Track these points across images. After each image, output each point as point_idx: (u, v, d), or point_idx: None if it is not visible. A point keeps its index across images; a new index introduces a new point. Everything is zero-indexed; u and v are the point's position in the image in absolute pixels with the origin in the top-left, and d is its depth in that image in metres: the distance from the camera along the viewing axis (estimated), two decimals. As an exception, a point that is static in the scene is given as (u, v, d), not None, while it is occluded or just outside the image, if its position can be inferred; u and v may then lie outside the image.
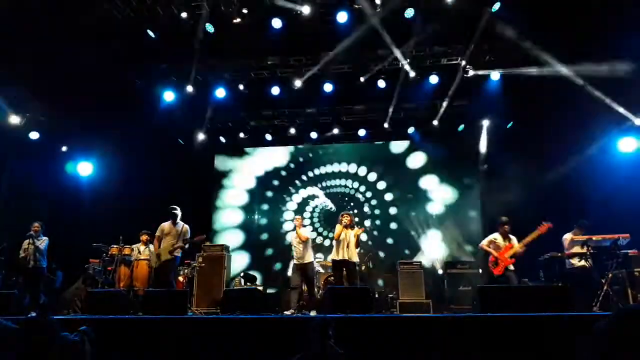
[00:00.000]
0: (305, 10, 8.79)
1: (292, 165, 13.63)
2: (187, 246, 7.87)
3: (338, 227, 7.95)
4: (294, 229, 8.72)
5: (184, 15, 9.01)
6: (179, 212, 7.89)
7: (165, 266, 7.55)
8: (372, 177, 13.20)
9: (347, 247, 7.79)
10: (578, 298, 6.52)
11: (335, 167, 13.45)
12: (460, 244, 12.08)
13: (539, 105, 10.76)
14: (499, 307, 5.32)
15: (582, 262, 7.19)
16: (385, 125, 12.44)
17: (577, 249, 7.38)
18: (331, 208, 13.16)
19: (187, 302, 6.52)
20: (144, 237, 9.02)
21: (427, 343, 4.87)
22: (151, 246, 8.93)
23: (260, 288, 10.12)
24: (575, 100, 9.65)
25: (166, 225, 7.82)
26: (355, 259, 7.94)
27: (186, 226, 7.90)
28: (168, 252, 7.56)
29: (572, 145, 9.87)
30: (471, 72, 10.43)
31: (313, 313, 7.46)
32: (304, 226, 9.03)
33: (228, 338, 5.26)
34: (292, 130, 12.79)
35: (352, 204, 13.04)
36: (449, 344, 4.84)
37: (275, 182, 13.57)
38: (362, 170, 13.29)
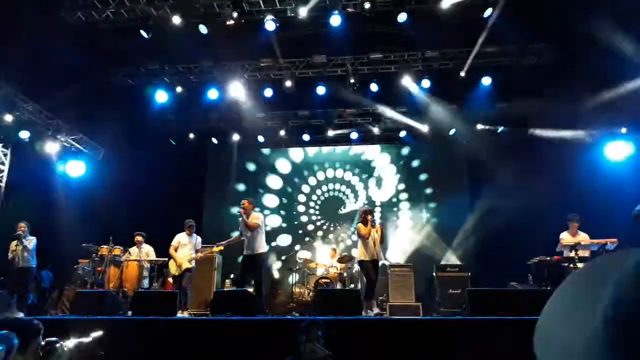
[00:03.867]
0: (302, 12, 8.82)
1: (281, 167, 13.66)
2: (201, 255, 8.61)
3: (362, 226, 7.46)
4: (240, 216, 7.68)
5: (177, 15, 8.99)
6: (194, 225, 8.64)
7: (185, 275, 8.17)
8: (363, 180, 13.24)
9: (374, 245, 7.39)
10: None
11: (328, 172, 13.49)
12: (450, 248, 12.14)
13: (529, 110, 10.86)
14: (488, 310, 5.36)
15: (580, 264, 7.20)
16: (376, 129, 12.53)
17: (566, 253, 7.44)
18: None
19: (176, 303, 6.51)
20: (137, 239, 8.97)
21: (417, 345, 4.89)
22: (144, 246, 8.90)
23: (251, 289, 10.06)
24: (565, 106, 9.75)
25: (182, 236, 8.42)
26: (382, 257, 7.59)
27: (199, 238, 8.65)
28: (187, 261, 8.21)
29: (561, 151, 9.98)
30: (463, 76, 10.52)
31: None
32: (255, 211, 7.92)
33: (218, 339, 5.26)
34: (283, 133, 12.80)
35: (343, 207, 13.11)
36: (438, 346, 4.86)
37: (269, 183, 13.57)
38: (351, 174, 13.34)
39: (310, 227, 13.15)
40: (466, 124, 11.96)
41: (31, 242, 8.12)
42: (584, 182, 9.29)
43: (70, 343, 2.19)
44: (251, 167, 13.75)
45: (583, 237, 7.57)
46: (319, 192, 13.41)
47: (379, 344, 4.94)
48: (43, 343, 2.07)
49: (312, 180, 13.50)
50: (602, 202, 8.59)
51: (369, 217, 7.48)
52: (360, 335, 5.07)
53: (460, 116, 11.83)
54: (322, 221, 13.14)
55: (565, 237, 7.66)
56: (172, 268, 8.25)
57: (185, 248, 8.27)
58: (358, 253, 7.63)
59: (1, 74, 8.96)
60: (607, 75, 8.81)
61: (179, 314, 7.16)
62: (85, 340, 2.31)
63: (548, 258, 7.61)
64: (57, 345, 2.09)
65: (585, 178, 9.35)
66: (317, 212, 13.24)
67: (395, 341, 4.92)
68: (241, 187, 13.60)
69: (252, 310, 6.20)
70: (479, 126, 12.01)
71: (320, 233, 12.99)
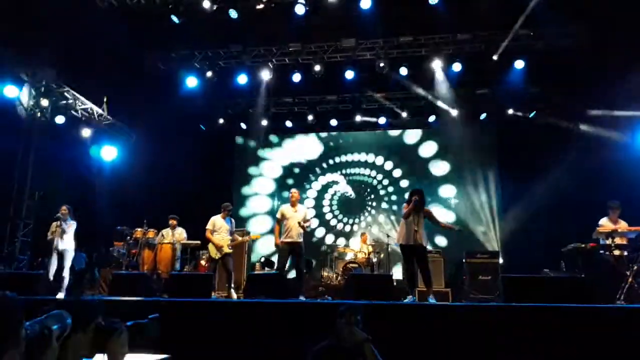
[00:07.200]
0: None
1: (313, 153, 13.68)
2: (241, 240, 8.82)
3: (405, 206, 7.02)
4: (290, 204, 7.99)
5: (207, 1, 9.02)
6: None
7: (226, 258, 8.15)
8: (390, 165, 13.18)
9: (416, 231, 6.81)
10: (604, 289, 6.48)
11: (355, 156, 13.48)
12: (478, 233, 12.06)
13: (562, 95, 10.62)
14: (523, 298, 5.31)
15: (616, 252, 7.09)
16: (404, 113, 12.42)
17: (602, 240, 7.29)
18: (350, 195, 13.19)
19: (211, 286, 6.63)
20: (172, 222, 9.13)
21: (450, 331, 4.89)
22: (178, 229, 9.05)
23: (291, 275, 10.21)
24: (601, 91, 9.51)
25: (218, 219, 8.34)
26: (425, 242, 6.89)
27: (233, 220, 8.60)
28: (227, 246, 8.18)
29: (597, 135, 9.76)
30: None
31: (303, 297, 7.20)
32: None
33: (252, 322, 5.34)
34: (311, 117, 12.79)
35: (368, 190, 13.13)
36: (470, 333, 4.85)
37: (296, 169, 13.64)
38: (380, 159, 13.30)
39: (330, 216, 13.22)
40: (498, 108, 11.77)
41: (71, 226, 8.34)
42: (620, 168, 9.06)
43: (129, 323, 2.26)
44: (278, 151, 13.82)
45: (622, 225, 7.39)
46: (347, 176, 13.43)
47: (414, 329, 4.95)
48: (103, 323, 2.13)
49: (340, 165, 13.54)
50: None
51: (414, 197, 6.90)
52: (393, 320, 5.09)
53: (492, 100, 11.65)
54: (343, 213, 13.20)
55: (605, 224, 7.48)
56: (212, 251, 8.21)
57: (222, 231, 8.22)
58: (397, 234, 7.27)
59: (38, 60, 9.14)
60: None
61: (234, 295, 7.74)
62: (142, 321, 2.37)
63: (583, 245, 7.48)
64: (117, 325, 2.16)
65: (622, 163, 9.12)
66: (343, 199, 13.27)
67: (431, 327, 4.93)
68: (268, 169, 13.72)
69: (285, 293, 6.27)
70: (511, 111, 11.78)
71: (347, 221, 13.05)
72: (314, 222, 12.81)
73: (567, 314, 4.78)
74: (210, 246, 8.25)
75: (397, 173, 13.10)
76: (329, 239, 12.67)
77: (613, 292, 6.66)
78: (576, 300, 5.13)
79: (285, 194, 13.28)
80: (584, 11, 8.73)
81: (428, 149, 13.11)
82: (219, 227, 8.24)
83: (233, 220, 8.61)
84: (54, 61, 9.53)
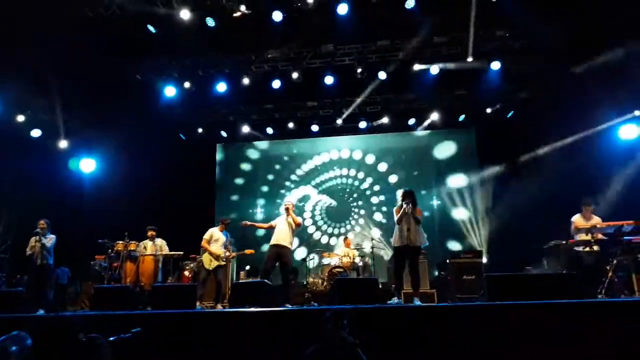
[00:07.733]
0: (309, 1, 8.79)
1: (288, 159, 13.78)
2: (234, 255, 9.17)
3: (396, 209, 6.99)
4: (284, 213, 7.94)
5: (184, 9, 8.97)
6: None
7: (218, 270, 8.28)
8: (382, 168, 13.31)
9: (408, 230, 6.76)
10: (585, 284, 6.57)
11: (334, 155, 13.60)
12: (461, 234, 12.18)
13: (539, 94, 10.79)
14: (506, 296, 5.37)
15: (595, 247, 7.21)
16: (385, 118, 12.50)
17: (582, 236, 7.41)
18: (331, 204, 13.21)
19: (195, 297, 6.56)
20: (150, 233, 9.00)
21: (436, 331, 4.92)
22: (157, 240, 8.93)
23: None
24: (576, 90, 9.68)
25: (215, 231, 8.47)
26: (419, 242, 6.82)
27: (229, 234, 8.74)
28: (221, 259, 8.28)
29: (573, 134, 9.94)
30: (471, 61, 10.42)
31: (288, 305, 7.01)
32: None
33: (238, 331, 5.30)
34: (291, 124, 12.78)
35: (355, 195, 13.17)
36: (456, 333, 4.88)
37: (271, 177, 13.68)
38: (369, 160, 13.41)
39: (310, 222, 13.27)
40: (476, 109, 11.92)
41: (50, 240, 8.14)
42: (599, 166, 9.24)
43: (111, 338, 2.22)
44: (260, 159, 13.80)
45: (597, 221, 7.52)
46: (330, 181, 13.46)
47: (401, 332, 4.96)
48: (84, 339, 2.09)
49: (323, 168, 13.60)
50: (616, 184, 8.55)
51: (406, 200, 6.85)
52: (380, 323, 5.09)
53: (470, 101, 11.79)
54: (329, 220, 13.25)
55: (578, 220, 7.61)
56: (206, 262, 8.25)
57: (218, 243, 8.31)
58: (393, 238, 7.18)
59: (13, 73, 8.98)
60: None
61: (219, 307, 7.80)
62: (125, 335, 2.33)
63: (563, 242, 7.60)
64: (99, 341, 2.12)
65: (600, 161, 9.30)
66: (327, 204, 13.29)
67: (417, 329, 4.95)
68: (250, 177, 13.75)
69: (271, 301, 6.24)
70: (489, 110, 11.93)
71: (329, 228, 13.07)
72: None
73: (549, 310, 4.84)
74: (205, 256, 8.28)
75: (386, 175, 13.19)
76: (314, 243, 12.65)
77: (594, 286, 6.78)
78: (558, 296, 5.20)
79: (261, 201, 13.38)
80: (560, 11, 8.88)
81: (410, 150, 13.21)
82: (215, 239, 8.32)
83: (228, 234, 8.68)
84: (31, 75, 9.38)
